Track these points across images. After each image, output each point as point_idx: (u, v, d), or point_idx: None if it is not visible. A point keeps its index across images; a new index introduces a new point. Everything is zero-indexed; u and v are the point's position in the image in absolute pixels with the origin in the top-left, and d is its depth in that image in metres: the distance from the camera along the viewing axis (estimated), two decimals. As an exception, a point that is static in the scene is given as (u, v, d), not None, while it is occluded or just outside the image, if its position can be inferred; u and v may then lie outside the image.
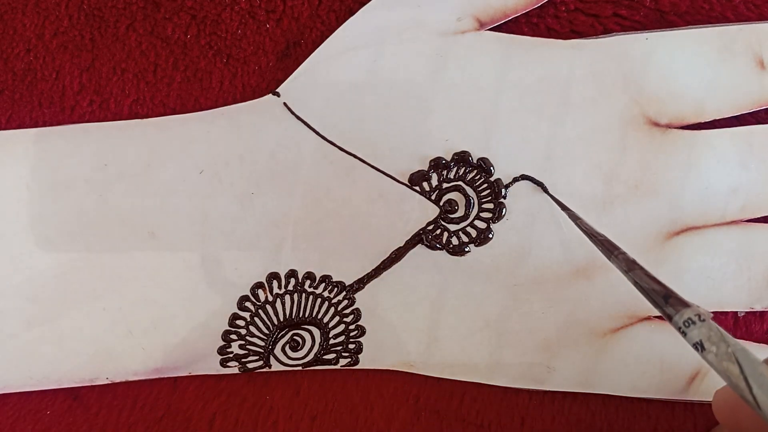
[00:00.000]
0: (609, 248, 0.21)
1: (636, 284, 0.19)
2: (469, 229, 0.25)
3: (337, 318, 0.25)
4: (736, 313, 0.25)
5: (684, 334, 0.18)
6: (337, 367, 0.25)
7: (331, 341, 0.25)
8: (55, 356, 0.24)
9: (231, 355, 0.25)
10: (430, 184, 0.25)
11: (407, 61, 0.25)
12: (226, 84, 0.26)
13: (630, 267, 0.20)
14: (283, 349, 0.25)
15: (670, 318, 0.18)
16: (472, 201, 0.25)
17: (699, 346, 0.17)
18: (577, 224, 0.23)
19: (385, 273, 0.25)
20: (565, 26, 0.26)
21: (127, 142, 0.25)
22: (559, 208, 0.24)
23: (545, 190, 0.24)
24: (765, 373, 0.16)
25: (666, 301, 0.18)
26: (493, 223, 0.25)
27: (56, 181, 0.25)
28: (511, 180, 0.24)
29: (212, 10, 0.27)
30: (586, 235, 0.22)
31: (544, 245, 0.25)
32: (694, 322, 0.17)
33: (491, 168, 0.25)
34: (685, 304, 0.18)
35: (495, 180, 0.25)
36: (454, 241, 0.25)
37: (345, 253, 0.25)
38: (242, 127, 0.25)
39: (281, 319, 0.25)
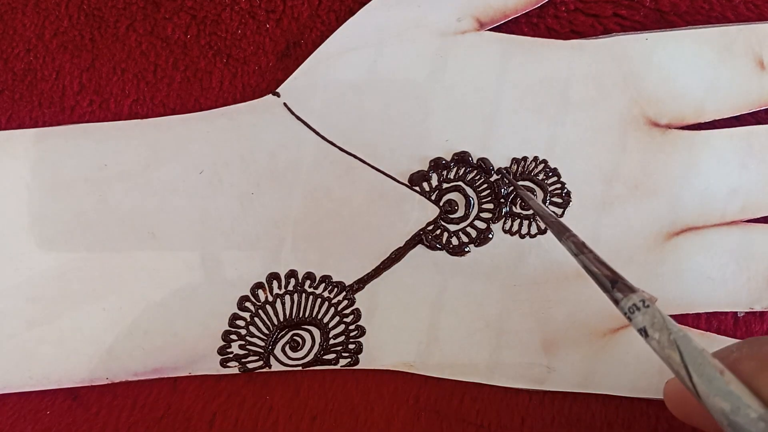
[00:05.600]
0: (560, 230, 0.21)
1: (585, 267, 0.19)
2: (468, 229, 0.25)
3: (337, 318, 0.25)
4: (735, 313, 0.25)
5: (630, 319, 0.17)
6: (337, 367, 0.25)
7: (331, 341, 0.25)
8: (55, 356, 0.24)
9: (231, 355, 0.25)
10: (430, 185, 0.25)
11: (407, 62, 0.25)
12: (226, 84, 0.26)
13: (580, 250, 0.20)
14: (283, 350, 0.25)
15: (616, 303, 0.18)
16: (472, 201, 0.25)
17: (643, 332, 0.17)
18: (529, 204, 0.23)
19: (385, 273, 0.25)
20: (565, 26, 0.26)
21: (127, 142, 0.25)
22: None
23: (501, 170, 0.24)
24: (705, 362, 0.15)
25: (613, 286, 0.18)
26: (493, 223, 0.25)
27: (56, 181, 0.25)
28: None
29: (212, 10, 0.27)
30: (538, 215, 0.22)
31: (544, 245, 0.25)
32: (638, 308, 0.17)
33: (491, 168, 0.25)
34: (632, 290, 0.18)
35: (495, 180, 0.25)
36: (454, 241, 0.25)
37: (345, 253, 0.25)
38: (242, 127, 0.25)
39: (281, 320, 0.25)
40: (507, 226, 0.25)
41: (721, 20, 0.26)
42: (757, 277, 0.24)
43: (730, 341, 0.25)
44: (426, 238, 0.25)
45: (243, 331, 0.25)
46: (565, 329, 0.24)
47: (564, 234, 0.21)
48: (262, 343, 0.25)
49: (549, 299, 0.25)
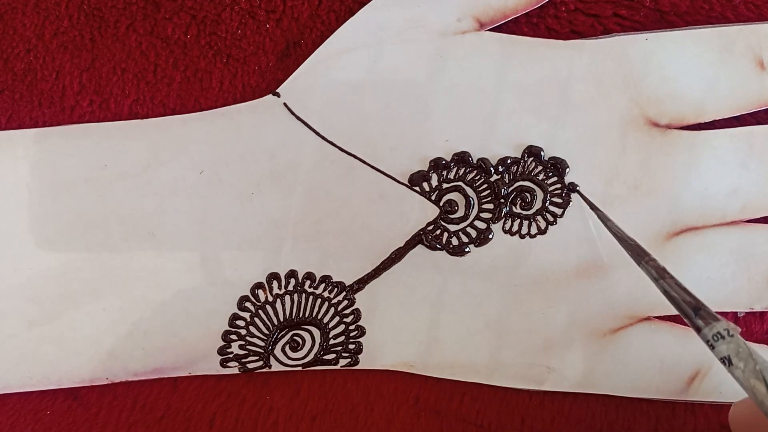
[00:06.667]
0: (639, 254, 0.21)
1: (665, 293, 0.19)
2: (468, 229, 0.25)
3: (337, 318, 0.25)
4: (735, 313, 0.25)
5: (712, 347, 0.18)
6: (337, 367, 0.25)
7: (331, 341, 0.25)
8: (55, 356, 0.24)
9: (231, 356, 0.25)
10: (430, 185, 0.25)
11: (407, 61, 0.25)
12: (226, 84, 0.26)
13: (660, 275, 0.20)
14: (283, 350, 0.25)
15: (698, 330, 0.18)
16: (472, 201, 0.25)
17: (726, 361, 0.17)
18: (607, 226, 0.23)
19: (385, 273, 0.25)
20: (565, 26, 0.26)
21: (127, 142, 0.25)
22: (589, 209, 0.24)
23: (578, 191, 0.24)
24: None
25: (696, 313, 0.18)
26: (493, 223, 0.25)
27: (56, 181, 0.25)
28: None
29: (212, 10, 0.27)
30: (616, 238, 0.22)
31: (544, 245, 0.25)
32: (723, 337, 0.17)
33: (491, 168, 0.25)
34: (715, 318, 0.18)
35: (495, 180, 0.25)
36: (454, 241, 0.25)
37: (345, 253, 0.25)
38: (242, 127, 0.25)
39: (281, 320, 0.25)
40: (507, 226, 0.25)
41: (721, 20, 0.26)
42: (757, 277, 0.24)
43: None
44: (426, 238, 0.25)
45: (243, 331, 0.25)
46: (565, 329, 0.24)
47: (643, 258, 0.20)
48: (262, 343, 0.25)
49: (549, 299, 0.25)
